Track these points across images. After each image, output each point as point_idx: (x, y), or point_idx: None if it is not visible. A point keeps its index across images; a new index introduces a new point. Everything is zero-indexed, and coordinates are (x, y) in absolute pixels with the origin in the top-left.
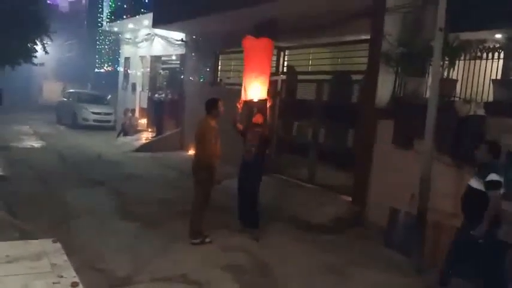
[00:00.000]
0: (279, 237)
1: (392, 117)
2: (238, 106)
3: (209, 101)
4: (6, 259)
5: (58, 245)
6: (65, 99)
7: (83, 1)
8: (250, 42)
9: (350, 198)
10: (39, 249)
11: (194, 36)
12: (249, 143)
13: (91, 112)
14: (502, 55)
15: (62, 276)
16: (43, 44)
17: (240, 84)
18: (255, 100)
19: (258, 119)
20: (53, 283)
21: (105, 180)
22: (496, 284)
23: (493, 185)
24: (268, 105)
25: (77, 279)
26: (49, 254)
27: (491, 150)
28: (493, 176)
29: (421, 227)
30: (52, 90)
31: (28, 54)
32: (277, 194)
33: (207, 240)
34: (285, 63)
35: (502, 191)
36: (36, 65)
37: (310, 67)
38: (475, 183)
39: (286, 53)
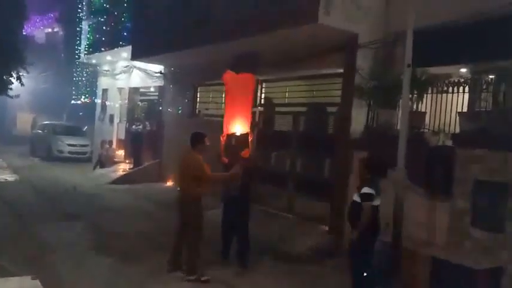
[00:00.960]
0: (259, 268)
1: (367, 148)
2: (222, 139)
3: (195, 135)
4: None
5: (37, 282)
6: (40, 131)
7: (60, 32)
8: (230, 77)
9: (327, 228)
10: (19, 287)
11: (172, 69)
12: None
13: (66, 144)
14: (466, 89)
15: None
16: (19, 76)
17: (219, 116)
18: (238, 134)
19: (246, 153)
20: None
21: (81, 214)
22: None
23: (365, 197)
24: (250, 139)
25: None
26: None
27: (367, 167)
28: (365, 189)
29: (395, 255)
30: (26, 122)
31: (4, 87)
32: (256, 224)
33: (204, 278)
34: (263, 95)
35: (376, 202)
36: (11, 97)
37: (286, 99)
38: (356, 197)
39: (264, 86)
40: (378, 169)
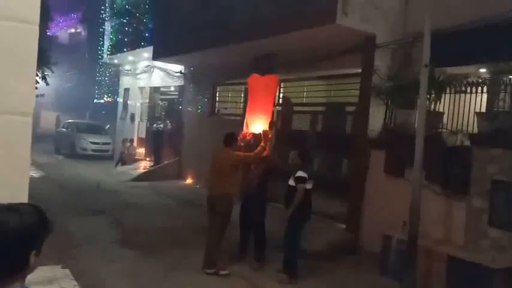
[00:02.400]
0: (276, 264)
1: (384, 147)
2: (240, 138)
3: (229, 134)
4: None
5: (67, 270)
6: (64, 129)
7: (83, 33)
8: (254, 80)
9: (344, 226)
10: (50, 275)
11: (192, 69)
12: (253, 175)
13: (89, 142)
14: (485, 89)
15: None
16: (44, 76)
17: (237, 115)
18: (257, 132)
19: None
20: None
21: (105, 209)
22: (294, 253)
23: (300, 180)
24: (269, 137)
25: None
26: (59, 279)
27: (300, 157)
28: (300, 173)
29: (412, 253)
30: (50, 120)
31: None
32: (273, 222)
33: (223, 272)
34: (281, 95)
35: (308, 186)
36: (37, 96)
37: (305, 99)
38: (291, 181)
39: (282, 85)
40: (308, 159)
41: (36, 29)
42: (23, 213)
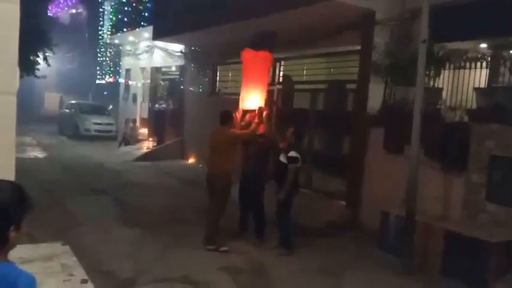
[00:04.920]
0: (276, 241)
1: (383, 124)
2: (237, 115)
3: (224, 112)
4: (20, 260)
5: (67, 247)
6: (67, 110)
7: (84, 13)
8: (248, 55)
9: (344, 203)
10: (50, 251)
11: (193, 48)
12: (251, 153)
13: (93, 123)
14: (485, 64)
15: (72, 275)
16: (45, 57)
17: (238, 94)
18: (253, 109)
19: (260, 129)
20: (64, 281)
21: (108, 189)
22: (287, 228)
23: (292, 160)
24: (264, 114)
25: (86, 277)
26: (59, 255)
27: (295, 134)
28: (293, 153)
29: (410, 229)
30: (53, 102)
31: (31, 67)
32: (274, 199)
33: (223, 248)
34: (281, 73)
35: (299, 164)
36: (38, 77)
37: (305, 77)
38: (282, 158)
39: (282, 64)
40: (300, 137)
41: (16, 8)
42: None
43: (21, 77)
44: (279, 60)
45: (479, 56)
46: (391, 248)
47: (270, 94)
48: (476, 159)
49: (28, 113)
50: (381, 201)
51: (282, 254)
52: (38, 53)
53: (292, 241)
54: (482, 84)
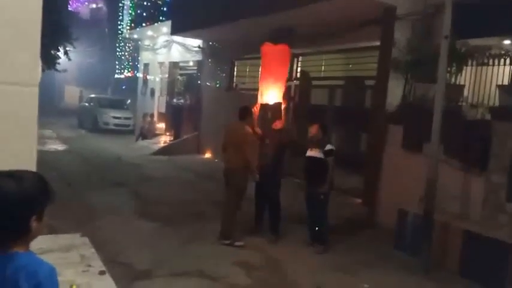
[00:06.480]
0: (292, 237)
1: (402, 121)
2: (255, 110)
3: (244, 108)
4: (39, 251)
5: (85, 238)
6: (86, 104)
7: (103, 8)
8: (268, 48)
9: (361, 201)
10: (69, 242)
11: (211, 43)
12: (268, 149)
13: (111, 116)
14: (508, 61)
15: (90, 266)
16: (66, 51)
17: (255, 90)
18: (271, 103)
19: (277, 124)
20: (82, 271)
21: (126, 182)
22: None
23: (329, 153)
24: (283, 108)
25: (104, 269)
26: (77, 246)
27: (322, 130)
28: (329, 146)
29: (428, 228)
30: (73, 96)
31: (52, 61)
32: (291, 196)
33: (238, 243)
34: (299, 69)
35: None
36: (59, 71)
37: (322, 73)
38: (315, 154)
39: (300, 59)
40: (326, 131)
41: (39, 1)
42: (23, 179)
43: (42, 70)
44: (296, 56)
45: (503, 52)
46: (408, 246)
47: (287, 90)
48: (498, 159)
49: (48, 106)
50: (398, 199)
51: (319, 252)
52: (59, 47)
53: (328, 238)
54: (506, 82)
